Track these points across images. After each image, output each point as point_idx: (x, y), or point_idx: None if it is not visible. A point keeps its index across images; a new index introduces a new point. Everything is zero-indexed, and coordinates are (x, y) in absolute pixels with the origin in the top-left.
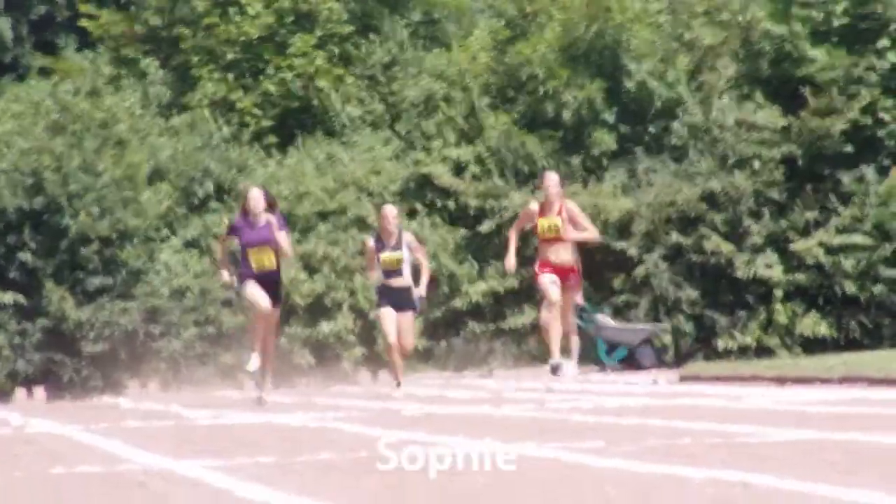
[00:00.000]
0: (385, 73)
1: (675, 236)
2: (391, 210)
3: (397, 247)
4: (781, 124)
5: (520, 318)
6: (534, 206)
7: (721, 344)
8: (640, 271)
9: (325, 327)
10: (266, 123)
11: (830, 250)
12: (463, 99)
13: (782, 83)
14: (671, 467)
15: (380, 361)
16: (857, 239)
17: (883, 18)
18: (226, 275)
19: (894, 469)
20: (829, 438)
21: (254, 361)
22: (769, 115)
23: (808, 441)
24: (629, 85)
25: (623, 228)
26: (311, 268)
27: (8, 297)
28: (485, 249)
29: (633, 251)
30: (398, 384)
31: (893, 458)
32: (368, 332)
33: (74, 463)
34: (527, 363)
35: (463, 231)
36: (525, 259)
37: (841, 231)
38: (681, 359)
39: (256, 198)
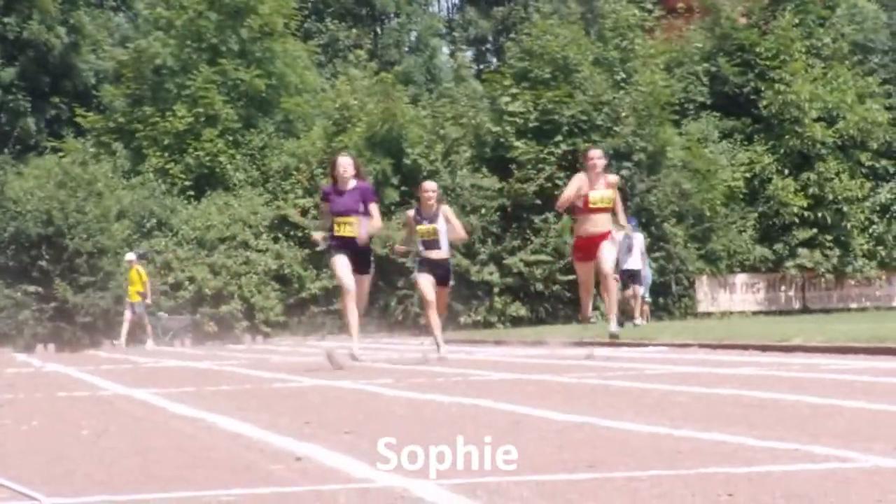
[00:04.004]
0: (260, 153)
1: None
2: (430, 185)
3: (434, 219)
4: (497, 187)
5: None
6: (584, 177)
7: (462, 320)
8: (414, 276)
9: (225, 308)
10: (188, 183)
11: (527, 264)
12: (307, 169)
13: (498, 161)
14: (431, 395)
15: (259, 330)
16: (543, 257)
17: (558, 123)
18: (316, 235)
19: (573, 396)
20: (526, 378)
21: (355, 349)
22: (490, 181)
23: (513, 380)
24: (407, 161)
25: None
26: (214, 271)
27: (31, 289)
28: (322, 262)
29: (409, 264)
30: (438, 346)
31: (572, 389)
32: (251, 312)
33: (72, 389)
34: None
35: (308, 251)
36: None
37: (534, 252)
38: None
39: (345, 164)
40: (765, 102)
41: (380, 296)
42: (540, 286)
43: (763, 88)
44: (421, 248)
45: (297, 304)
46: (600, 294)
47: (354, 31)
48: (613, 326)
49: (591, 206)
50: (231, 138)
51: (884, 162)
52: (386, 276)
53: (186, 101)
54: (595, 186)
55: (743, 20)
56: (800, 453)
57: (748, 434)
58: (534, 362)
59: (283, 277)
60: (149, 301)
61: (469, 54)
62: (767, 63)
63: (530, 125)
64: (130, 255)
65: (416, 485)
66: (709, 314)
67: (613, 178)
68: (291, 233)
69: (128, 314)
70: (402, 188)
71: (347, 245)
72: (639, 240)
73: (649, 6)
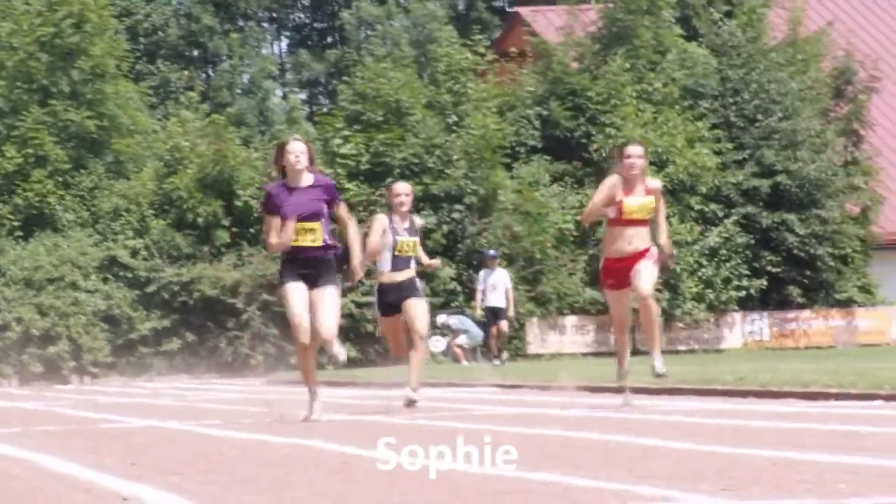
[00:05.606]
0: (90, 194)
1: (265, 295)
2: (404, 187)
3: (412, 231)
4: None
5: (171, 344)
6: (618, 181)
7: (293, 360)
8: (244, 317)
9: (53, 349)
10: (17, 223)
11: (358, 305)
12: (137, 209)
13: None
14: (261, 436)
15: (87, 371)
16: (374, 298)
17: (389, 165)
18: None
19: (402, 437)
20: (357, 420)
21: (316, 410)
22: None
23: (345, 421)
24: (238, 203)
25: (234, 289)
26: (42, 312)
27: None
28: (151, 302)
29: (239, 305)
30: (414, 390)
31: (402, 430)
32: (79, 352)
33: None
34: (178, 372)
35: (137, 291)
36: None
37: (365, 293)
38: (268, 370)
39: (298, 151)
40: (595, 146)
41: (209, 336)
42: (371, 327)
43: (594, 132)
44: (387, 267)
45: (125, 344)
46: (641, 328)
47: (186, 72)
48: (659, 365)
49: (625, 216)
50: (61, 179)
51: (713, 206)
52: (215, 316)
53: (16, 142)
54: (632, 192)
55: (575, 65)
56: (627, 494)
57: (576, 474)
58: (367, 403)
59: (111, 318)
60: None
61: (301, 97)
62: (598, 107)
63: (362, 167)
64: None
65: None
66: (539, 356)
67: (655, 183)
68: (121, 273)
69: None
70: (234, 229)
71: (306, 262)
72: (504, 276)
73: (482, 50)
